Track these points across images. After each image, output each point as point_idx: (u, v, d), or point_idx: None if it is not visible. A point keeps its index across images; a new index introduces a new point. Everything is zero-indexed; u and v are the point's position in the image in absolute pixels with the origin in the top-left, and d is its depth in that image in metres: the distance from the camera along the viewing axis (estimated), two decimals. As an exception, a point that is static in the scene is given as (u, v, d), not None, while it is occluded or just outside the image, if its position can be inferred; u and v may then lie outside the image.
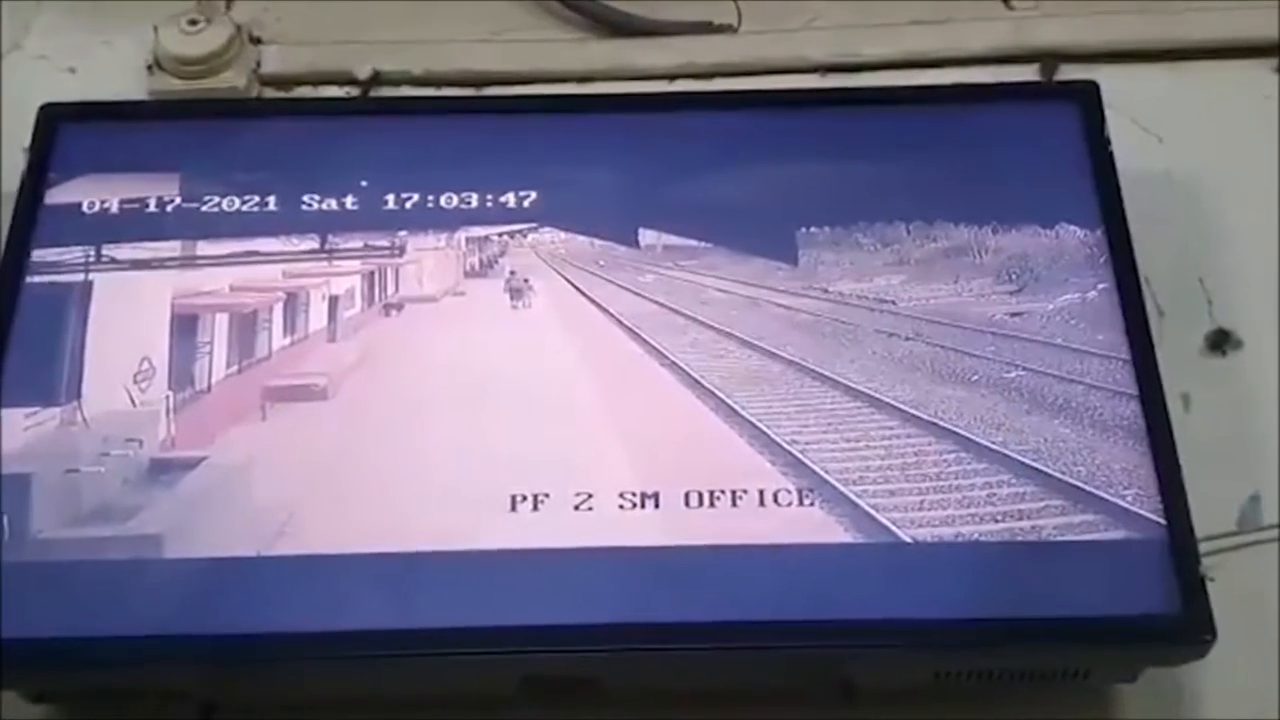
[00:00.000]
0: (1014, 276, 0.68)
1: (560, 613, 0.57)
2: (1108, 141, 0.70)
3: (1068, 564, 0.58)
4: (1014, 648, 0.58)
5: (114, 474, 0.61)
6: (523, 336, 0.67)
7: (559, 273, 0.69)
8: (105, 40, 0.84)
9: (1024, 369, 0.65)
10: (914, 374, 0.65)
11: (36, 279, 0.66)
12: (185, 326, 0.66)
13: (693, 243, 0.70)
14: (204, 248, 0.68)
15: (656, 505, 0.60)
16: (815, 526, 0.60)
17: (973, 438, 0.62)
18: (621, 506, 0.60)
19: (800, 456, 0.62)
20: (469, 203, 0.70)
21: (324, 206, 0.69)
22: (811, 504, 0.60)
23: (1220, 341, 0.73)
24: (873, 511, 0.60)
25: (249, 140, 0.72)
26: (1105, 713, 0.62)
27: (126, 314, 0.66)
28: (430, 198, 0.70)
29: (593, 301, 0.69)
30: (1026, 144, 0.71)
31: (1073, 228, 0.68)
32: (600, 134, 0.73)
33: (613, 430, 0.63)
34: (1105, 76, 0.74)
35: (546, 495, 0.60)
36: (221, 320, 0.67)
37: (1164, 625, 0.57)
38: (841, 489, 0.61)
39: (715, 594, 0.58)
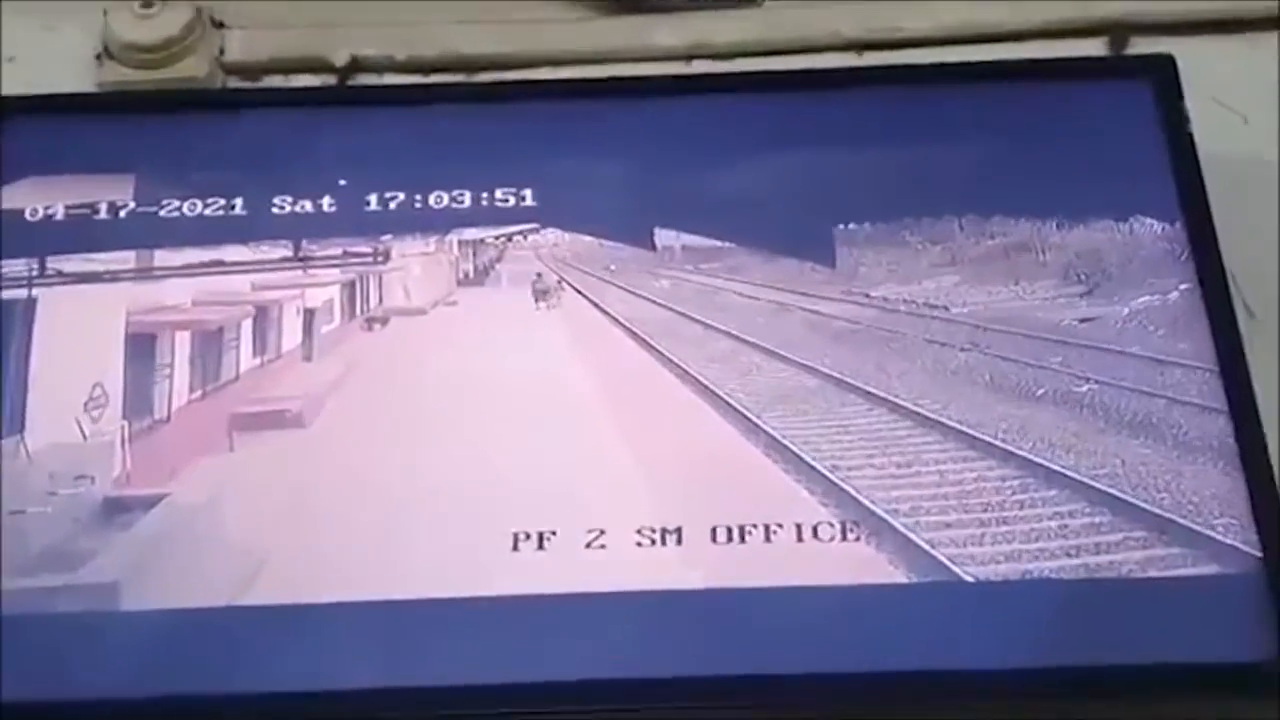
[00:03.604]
0: (1083, 277, 0.68)
1: (571, 667, 0.57)
2: (1186, 121, 0.70)
3: (1151, 604, 0.58)
4: (1090, 700, 0.58)
5: (63, 515, 0.61)
6: (524, 352, 0.67)
7: (564, 279, 0.69)
8: (48, 26, 0.84)
9: (1096, 382, 0.65)
10: (971, 389, 0.65)
11: (-27, 295, 0.67)
12: (141, 347, 0.66)
13: (715, 243, 0.70)
14: (162, 258, 0.69)
15: (679, 542, 0.60)
16: (861, 565, 0.59)
17: (1040, 461, 0.62)
18: (639, 544, 0.60)
19: (842, 485, 0.62)
20: (461, 202, 0.70)
21: (297, 209, 0.70)
22: (856, 539, 0.60)
23: (1319, 347, 0.72)
24: (927, 547, 0.59)
25: (212, 136, 0.72)
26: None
27: (75, 334, 0.66)
28: (417, 197, 0.70)
29: (603, 311, 0.69)
30: (1094, 126, 0.71)
31: (1149, 220, 0.68)
32: (608, 123, 0.73)
33: (627, 457, 0.63)
34: (1181, 50, 0.73)
35: (553, 533, 0.60)
36: (183, 339, 0.67)
37: (1262, 674, 0.57)
38: (890, 521, 0.60)
39: (747, 643, 0.58)
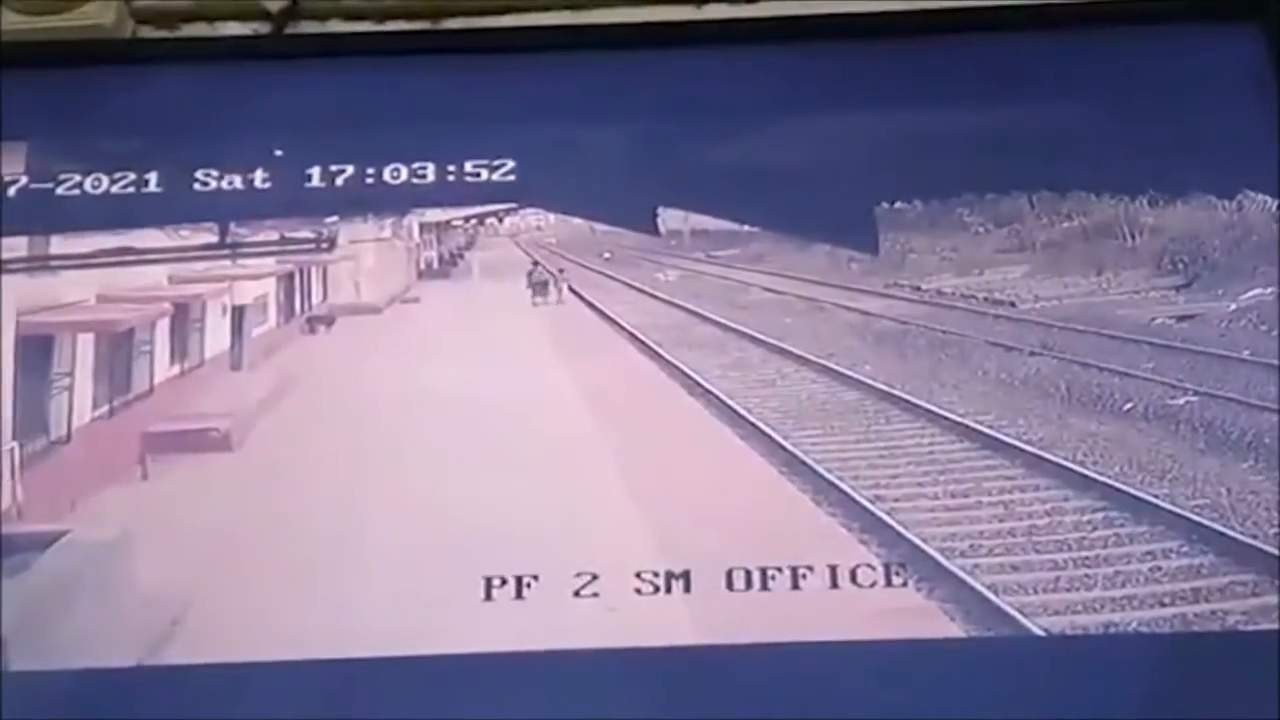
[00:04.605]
0: (1180, 265, 0.69)
1: (555, 740, 0.58)
2: (1308, 73, 0.70)
3: (1262, 661, 0.58)
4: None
5: (-61, 557, 0.62)
6: (500, 360, 0.67)
7: (548, 270, 0.70)
8: (-77, -35, 0.85)
9: (1197, 393, 0.65)
10: (1043, 402, 0.65)
11: None
12: (34, 352, 0.66)
13: (732, 226, 0.71)
14: (60, 244, 0.69)
15: (687, 589, 0.60)
16: (910, 616, 0.60)
17: (1127, 490, 0.63)
18: (639, 591, 0.60)
19: (886, 518, 0.62)
20: (423, 176, 0.70)
21: (224, 185, 0.70)
22: (904, 584, 0.60)
23: None
24: (989, 594, 0.60)
25: (121, 97, 0.73)
26: None
27: (-47, 337, 0.67)
28: (369, 171, 0.70)
29: (596, 309, 0.69)
30: (1193, 83, 0.71)
31: (1260, 197, 0.69)
32: (602, 80, 0.73)
33: (624, 487, 0.63)
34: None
35: (534, 577, 0.61)
36: (85, 343, 0.67)
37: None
38: (945, 563, 0.61)
39: (769, 712, 0.58)
